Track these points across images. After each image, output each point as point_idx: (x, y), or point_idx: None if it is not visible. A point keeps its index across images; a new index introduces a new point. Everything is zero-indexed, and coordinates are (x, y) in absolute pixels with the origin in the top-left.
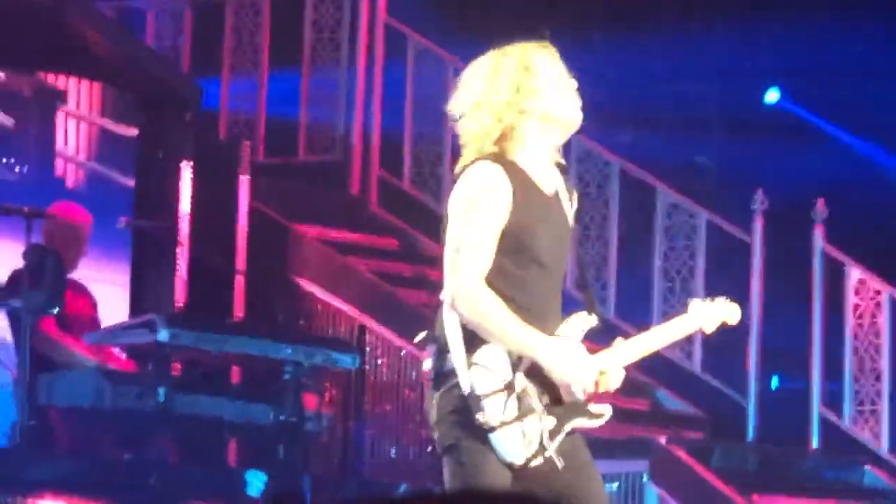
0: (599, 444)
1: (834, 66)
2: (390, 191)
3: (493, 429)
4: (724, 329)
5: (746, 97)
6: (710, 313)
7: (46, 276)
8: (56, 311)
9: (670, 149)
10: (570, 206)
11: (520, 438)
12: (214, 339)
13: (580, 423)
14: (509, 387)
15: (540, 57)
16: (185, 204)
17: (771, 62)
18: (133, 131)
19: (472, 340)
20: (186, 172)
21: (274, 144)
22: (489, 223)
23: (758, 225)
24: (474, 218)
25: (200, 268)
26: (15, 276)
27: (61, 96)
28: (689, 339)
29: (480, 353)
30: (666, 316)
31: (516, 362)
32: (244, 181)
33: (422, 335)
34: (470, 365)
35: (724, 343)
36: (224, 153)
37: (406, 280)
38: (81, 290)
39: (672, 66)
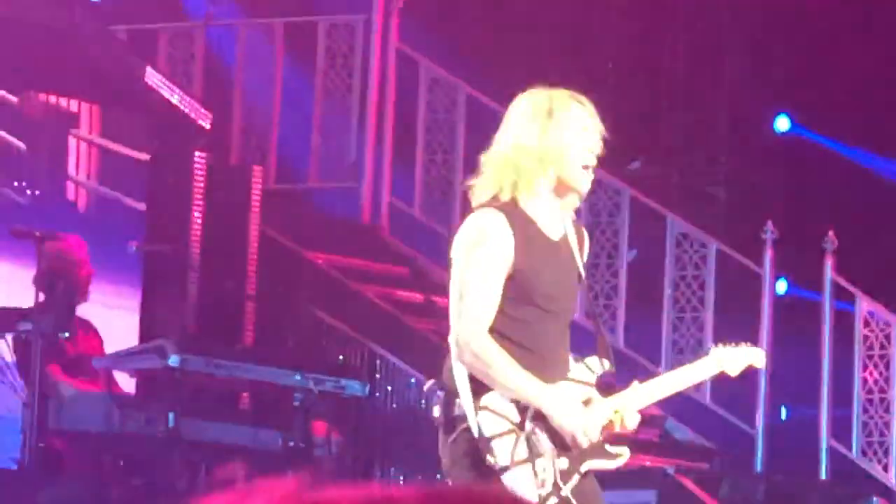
0: (607, 474)
1: (846, 89)
2: (402, 218)
3: (505, 469)
4: None
5: (756, 125)
6: (733, 358)
7: (56, 300)
8: (66, 335)
9: (680, 177)
10: (578, 251)
11: (532, 479)
12: (224, 365)
13: (596, 464)
14: (518, 429)
15: (568, 113)
16: (195, 229)
17: (782, 88)
18: (144, 155)
19: (480, 385)
20: (197, 197)
21: (285, 170)
22: (492, 270)
23: (768, 254)
24: (476, 266)
25: (211, 293)
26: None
27: (73, 120)
28: None
29: (488, 398)
30: (675, 346)
31: (524, 406)
32: (255, 207)
33: (430, 383)
34: (478, 409)
35: None
36: (235, 178)
37: (417, 307)
38: (90, 329)
39: (681, 93)
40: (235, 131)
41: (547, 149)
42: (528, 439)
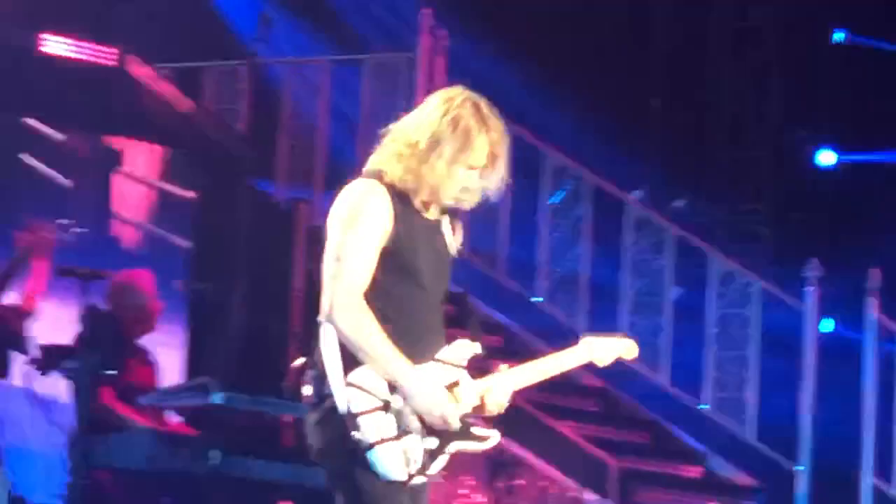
0: None
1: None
2: None
3: (371, 446)
4: (779, 397)
5: (801, 162)
6: (603, 347)
7: (103, 338)
8: (113, 373)
9: (724, 216)
10: (451, 234)
11: (400, 456)
12: (268, 402)
13: (462, 445)
14: (386, 406)
15: (471, 124)
16: (241, 267)
17: (826, 124)
18: (190, 193)
19: (349, 361)
20: (243, 235)
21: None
22: (370, 236)
23: (811, 293)
24: (355, 230)
25: (256, 331)
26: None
27: (118, 157)
28: (742, 408)
29: (357, 374)
30: (718, 383)
31: (393, 383)
32: (300, 244)
33: (300, 360)
34: (347, 385)
35: (778, 411)
36: (281, 216)
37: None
38: (145, 358)
39: (726, 131)
40: (281, 169)
41: (430, 170)
42: (396, 416)
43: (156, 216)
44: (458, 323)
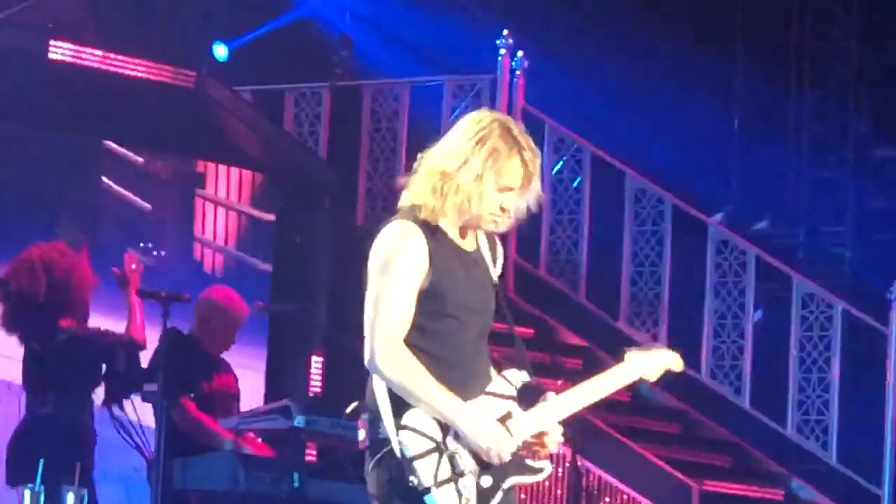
0: None
1: None
2: (526, 278)
3: (427, 490)
4: (861, 420)
5: (884, 182)
6: (649, 362)
7: (183, 361)
8: (191, 396)
9: (806, 237)
10: (492, 261)
11: (455, 499)
12: (350, 426)
13: (519, 479)
14: (440, 448)
15: (500, 144)
16: (321, 289)
17: None
18: (271, 216)
19: (400, 404)
20: (323, 257)
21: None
22: (406, 279)
23: (894, 315)
24: (391, 274)
25: (337, 352)
26: (153, 361)
27: (200, 180)
28: (825, 431)
29: (409, 416)
30: (801, 407)
31: (446, 424)
32: None
33: (353, 405)
34: (399, 429)
35: (861, 434)
36: (361, 237)
37: (543, 368)
38: (226, 370)
39: (807, 151)
40: (361, 191)
41: (464, 195)
42: (450, 458)
43: (236, 239)
44: (536, 346)
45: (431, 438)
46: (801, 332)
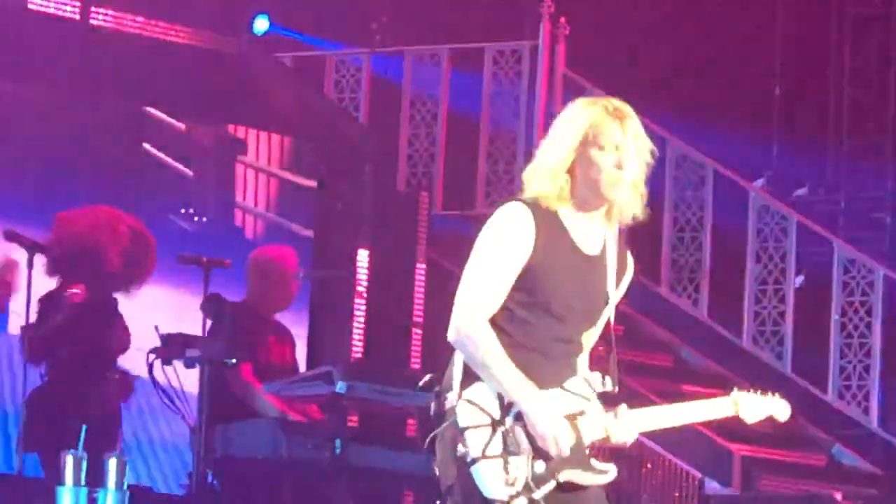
0: (777, 500)
1: None
2: None
3: (474, 461)
4: None
5: None
6: (754, 405)
7: (224, 327)
8: (234, 361)
9: (847, 203)
10: (616, 277)
11: (501, 475)
12: (391, 392)
13: (578, 476)
14: (495, 423)
15: (608, 123)
16: (363, 255)
17: None
18: (312, 183)
19: (469, 378)
20: (364, 224)
21: (452, 196)
22: (503, 261)
23: None
24: (489, 253)
25: (378, 319)
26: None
27: (241, 147)
28: (866, 396)
29: (471, 390)
30: (842, 372)
31: (509, 403)
32: (422, 233)
33: (427, 377)
34: (461, 400)
35: None
36: (402, 205)
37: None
38: (284, 336)
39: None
40: (402, 157)
41: (569, 159)
42: (504, 435)
43: (278, 205)
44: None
45: (489, 414)
46: (842, 298)
